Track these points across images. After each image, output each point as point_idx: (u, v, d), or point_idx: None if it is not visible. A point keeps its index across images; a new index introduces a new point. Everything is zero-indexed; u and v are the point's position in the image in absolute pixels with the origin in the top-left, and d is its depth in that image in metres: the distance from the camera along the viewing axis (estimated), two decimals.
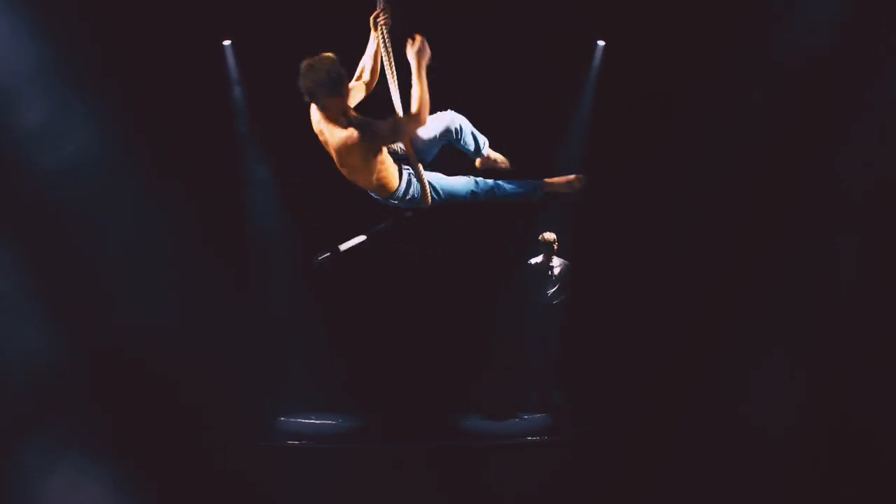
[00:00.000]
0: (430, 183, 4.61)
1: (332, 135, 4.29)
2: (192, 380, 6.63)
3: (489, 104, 7.45)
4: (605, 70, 8.01)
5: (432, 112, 4.37)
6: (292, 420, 7.15)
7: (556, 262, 7.88)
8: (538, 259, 7.91)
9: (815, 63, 6.50)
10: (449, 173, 4.77)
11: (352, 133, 4.22)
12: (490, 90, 7.58)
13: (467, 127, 4.69)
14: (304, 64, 4.19)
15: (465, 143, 4.73)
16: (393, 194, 4.54)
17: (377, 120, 4.32)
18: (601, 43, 8.08)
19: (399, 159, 4.56)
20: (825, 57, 6.44)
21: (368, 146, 4.26)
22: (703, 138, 7.32)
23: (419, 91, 4.21)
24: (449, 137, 4.62)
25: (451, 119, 4.61)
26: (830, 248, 6.30)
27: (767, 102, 6.82)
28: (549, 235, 7.80)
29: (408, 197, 4.57)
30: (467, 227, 8.00)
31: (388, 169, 4.44)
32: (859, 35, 6.28)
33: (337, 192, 7.44)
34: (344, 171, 4.44)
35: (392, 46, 4.32)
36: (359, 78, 4.52)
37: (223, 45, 7.77)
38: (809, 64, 6.53)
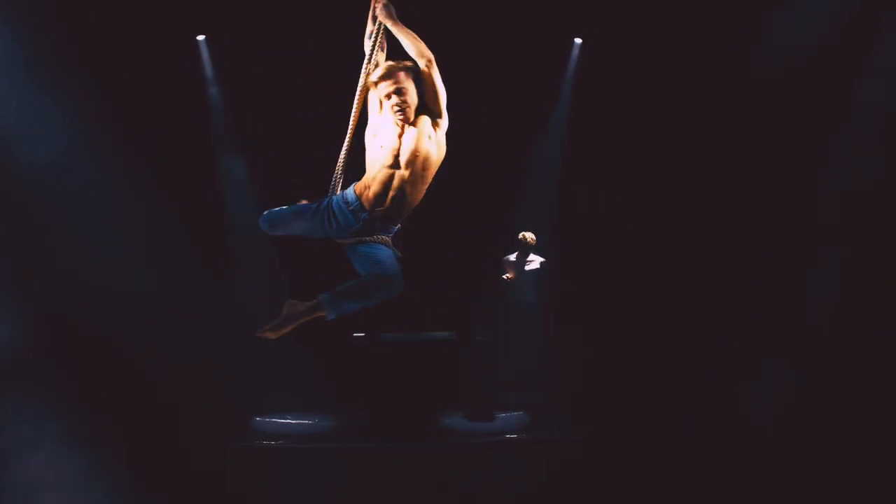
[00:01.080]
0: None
1: None
2: (166, 378, 6.60)
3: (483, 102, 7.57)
4: (603, 70, 8.01)
5: None
6: (268, 420, 7.09)
7: (532, 259, 7.87)
8: (513, 256, 7.90)
9: (814, 62, 6.56)
10: None
11: None
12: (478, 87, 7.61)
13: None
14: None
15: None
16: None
17: None
18: (578, 41, 8.09)
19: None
20: (822, 57, 6.51)
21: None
22: (702, 138, 7.35)
23: (408, 37, 4.21)
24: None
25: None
26: (828, 250, 6.38)
27: (767, 102, 6.87)
28: (530, 235, 7.79)
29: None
30: (449, 224, 7.96)
31: None
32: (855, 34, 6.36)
33: (316, 192, 7.53)
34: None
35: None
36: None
37: (197, 41, 7.70)
38: (809, 63, 6.59)
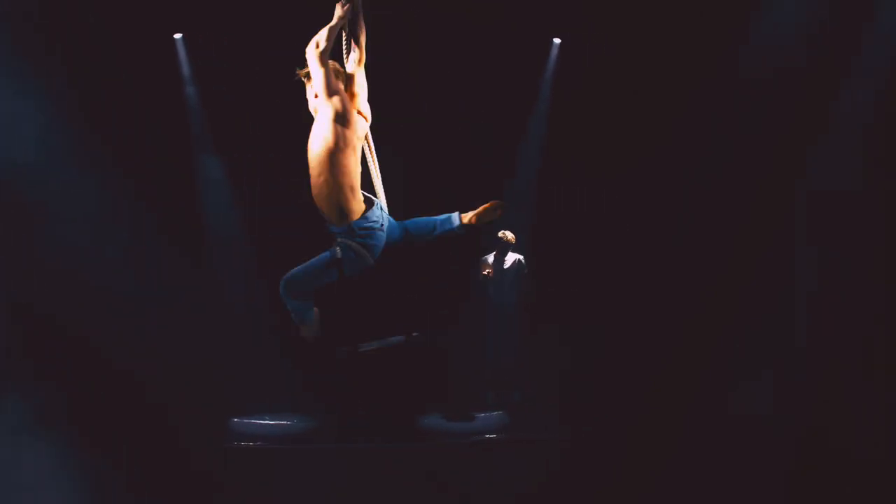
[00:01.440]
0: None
1: None
2: (143, 378, 6.62)
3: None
4: (584, 70, 8.02)
5: None
6: (245, 421, 7.05)
7: (510, 259, 7.86)
8: (490, 256, 7.87)
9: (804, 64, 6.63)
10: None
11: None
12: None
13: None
14: None
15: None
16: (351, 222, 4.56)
17: None
18: (557, 41, 8.10)
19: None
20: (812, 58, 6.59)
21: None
22: (701, 139, 7.38)
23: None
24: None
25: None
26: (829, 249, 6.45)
27: (767, 103, 6.93)
28: (510, 235, 7.77)
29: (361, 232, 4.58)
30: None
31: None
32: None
33: (292, 193, 7.51)
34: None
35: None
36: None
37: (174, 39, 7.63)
38: (809, 64, 6.66)
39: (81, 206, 6.83)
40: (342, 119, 4.53)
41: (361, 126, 4.70)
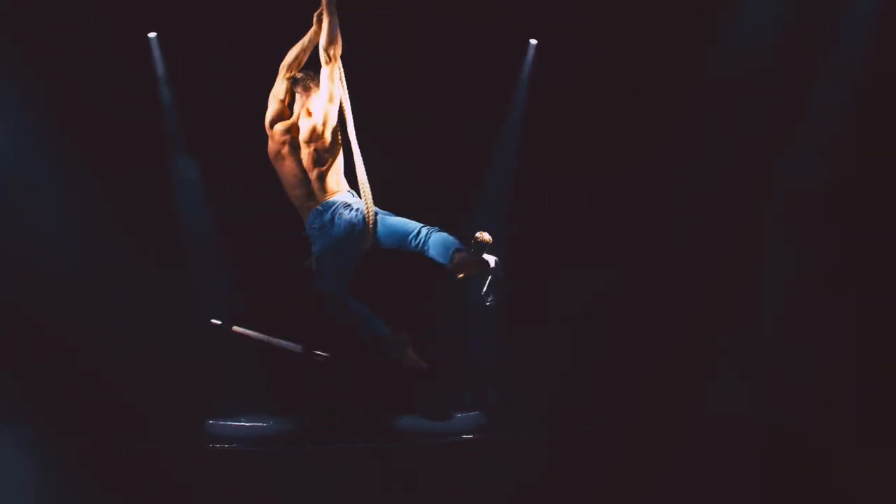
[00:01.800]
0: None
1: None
2: (117, 381, 6.62)
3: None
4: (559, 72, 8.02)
5: None
6: (221, 423, 7.01)
7: (487, 259, 7.85)
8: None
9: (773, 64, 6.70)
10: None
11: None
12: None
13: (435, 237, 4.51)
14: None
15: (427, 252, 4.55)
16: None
17: None
18: (533, 42, 8.13)
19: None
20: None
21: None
22: (702, 139, 7.43)
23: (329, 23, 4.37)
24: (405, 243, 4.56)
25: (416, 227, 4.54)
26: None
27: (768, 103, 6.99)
28: (486, 236, 7.77)
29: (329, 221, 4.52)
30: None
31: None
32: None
33: (268, 193, 7.47)
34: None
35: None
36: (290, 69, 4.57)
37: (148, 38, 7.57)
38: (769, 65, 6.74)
39: (53, 207, 6.77)
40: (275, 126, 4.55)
41: (305, 127, 4.61)
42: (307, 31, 4.49)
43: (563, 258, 7.92)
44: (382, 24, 7.30)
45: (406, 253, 7.71)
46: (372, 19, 6.93)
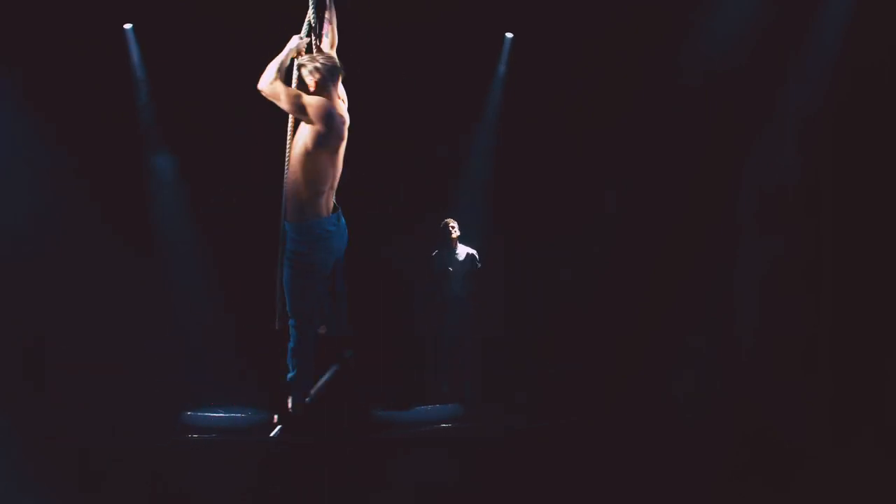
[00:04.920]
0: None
1: None
2: (90, 377, 6.63)
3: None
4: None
5: None
6: (198, 414, 7.02)
7: (461, 252, 7.88)
8: (438, 249, 7.88)
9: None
10: None
11: None
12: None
13: None
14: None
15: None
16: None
17: None
18: (509, 35, 8.15)
19: None
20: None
21: None
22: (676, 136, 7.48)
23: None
24: None
25: None
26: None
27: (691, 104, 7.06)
28: (452, 222, 7.77)
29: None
30: (381, 217, 7.95)
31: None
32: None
33: (247, 192, 7.49)
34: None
35: None
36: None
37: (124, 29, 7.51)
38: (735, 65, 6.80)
39: (27, 203, 6.76)
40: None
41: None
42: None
43: (537, 252, 7.99)
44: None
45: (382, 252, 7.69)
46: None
